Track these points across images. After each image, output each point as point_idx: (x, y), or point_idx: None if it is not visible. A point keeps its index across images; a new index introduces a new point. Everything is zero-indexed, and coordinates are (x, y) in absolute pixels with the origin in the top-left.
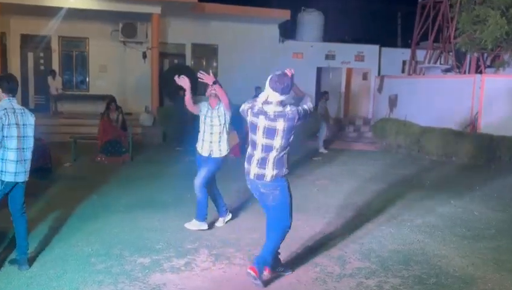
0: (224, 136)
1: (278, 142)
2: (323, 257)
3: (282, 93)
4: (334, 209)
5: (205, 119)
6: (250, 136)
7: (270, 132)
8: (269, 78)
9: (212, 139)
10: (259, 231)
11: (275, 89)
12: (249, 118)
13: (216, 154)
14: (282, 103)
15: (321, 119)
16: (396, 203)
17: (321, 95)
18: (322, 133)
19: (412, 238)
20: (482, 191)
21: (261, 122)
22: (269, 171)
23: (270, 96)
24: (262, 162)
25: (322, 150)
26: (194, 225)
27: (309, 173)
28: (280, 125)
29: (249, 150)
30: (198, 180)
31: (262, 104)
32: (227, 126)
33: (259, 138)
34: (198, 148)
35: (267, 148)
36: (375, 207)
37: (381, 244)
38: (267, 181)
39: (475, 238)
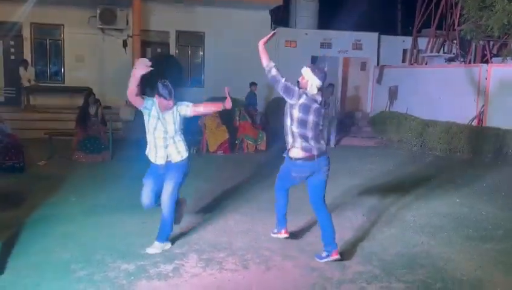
0: (179, 135)
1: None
2: (321, 261)
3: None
4: (331, 209)
5: (156, 121)
6: (302, 117)
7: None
8: (312, 69)
9: (167, 143)
10: (251, 234)
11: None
12: (302, 101)
13: (176, 158)
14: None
15: (335, 115)
16: (398, 202)
17: (329, 88)
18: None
19: (416, 240)
20: (489, 188)
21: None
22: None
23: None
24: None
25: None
26: (157, 247)
27: None
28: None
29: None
30: (168, 196)
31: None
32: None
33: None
34: (151, 158)
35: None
36: (376, 207)
37: (383, 247)
38: (326, 156)
39: (482, 239)
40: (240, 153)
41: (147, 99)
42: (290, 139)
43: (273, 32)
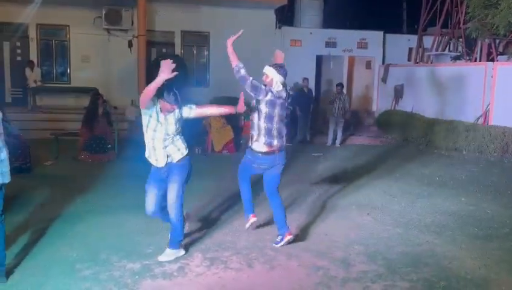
0: (178, 134)
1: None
2: (326, 260)
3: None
4: (336, 208)
5: (156, 123)
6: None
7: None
8: (276, 68)
9: (166, 144)
10: (256, 234)
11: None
12: (268, 98)
13: (177, 157)
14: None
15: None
16: (403, 201)
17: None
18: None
19: (421, 239)
20: (494, 187)
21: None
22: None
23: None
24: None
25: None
26: (169, 254)
27: (309, 170)
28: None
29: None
30: (174, 199)
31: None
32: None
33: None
34: (151, 161)
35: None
36: (381, 206)
37: (388, 245)
38: (284, 152)
39: (487, 238)
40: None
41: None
42: (255, 133)
43: (241, 31)
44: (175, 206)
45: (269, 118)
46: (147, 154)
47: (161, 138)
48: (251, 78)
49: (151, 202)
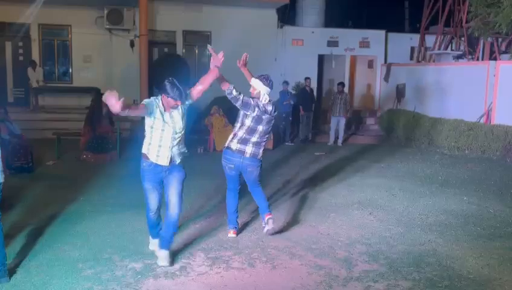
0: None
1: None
2: (328, 259)
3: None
4: (338, 208)
5: (163, 123)
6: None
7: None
8: (261, 79)
9: (174, 143)
10: (258, 233)
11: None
12: (254, 114)
13: (178, 159)
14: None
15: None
16: (405, 200)
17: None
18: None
19: (423, 238)
20: (497, 186)
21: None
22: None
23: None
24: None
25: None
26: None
27: (311, 169)
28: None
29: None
30: (179, 197)
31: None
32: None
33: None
34: (151, 157)
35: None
36: (383, 205)
37: (390, 245)
38: (256, 158)
39: (490, 237)
40: None
41: (148, 104)
42: (231, 135)
43: (222, 54)
44: (178, 205)
45: (251, 131)
46: (145, 150)
47: (169, 137)
48: (241, 96)
49: (155, 201)
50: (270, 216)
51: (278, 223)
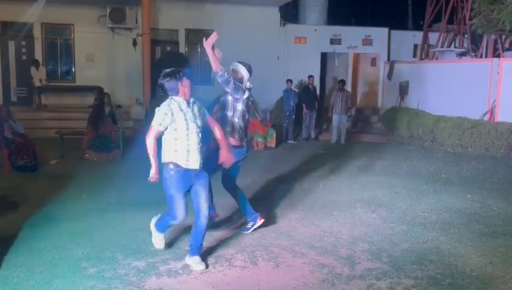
0: None
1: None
2: (330, 258)
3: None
4: (341, 206)
5: (187, 122)
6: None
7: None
8: (244, 64)
9: (199, 142)
10: (260, 231)
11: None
12: (245, 96)
13: (201, 162)
14: None
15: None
16: (408, 198)
17: (342, 84)
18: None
19: (426, 236)
20: (500, 184)
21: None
22: None
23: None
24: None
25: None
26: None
27: (314, 168)
28: None
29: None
30: (208, 202)
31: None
32: None
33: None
34: (181, 163)
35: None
36: (386, 203)
37: (393, 243)
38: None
39: (493, 235)
40: (249, 150)
41: (162, 115)
42: (229, 129)
43: (215, 33)
44: (208, 206)
45: (242, 116)
46: (173, 159)
47: (195, 134)
48: (231, 78)
49: (183, 210)
50: (263, 220)
51: (277, 222)
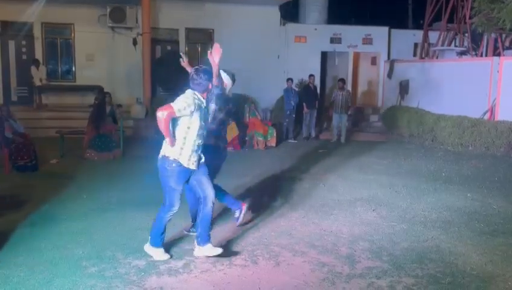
0: None
1: None
2: (330, 256)
3: None
4: (341, 204)
5: (201, 120)
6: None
7: None
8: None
9: (201, 142)
10: (261, 230)
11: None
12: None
13: (198, 163)
14: None
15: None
16: (408, 197)
17: (342, 83)
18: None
19: (426, 235)
20: (500, 183)
21: None
22: None
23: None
24: None
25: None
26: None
27: (314, 167)
28: None
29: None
30: (212, 188)
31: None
32: None
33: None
34: (183, 162)
35: None
36: (386, 202)
37: (393, 241)
38: None
39: (493, 233)
40: (250, 149)
41: (185, 105)
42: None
43: (218, 45)
44: (213, 194)
45: (221, 122)
46: (176, 156)
47: (202, 134)
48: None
49: (179, 200)
50: (246, 205)
51: (277, 221)
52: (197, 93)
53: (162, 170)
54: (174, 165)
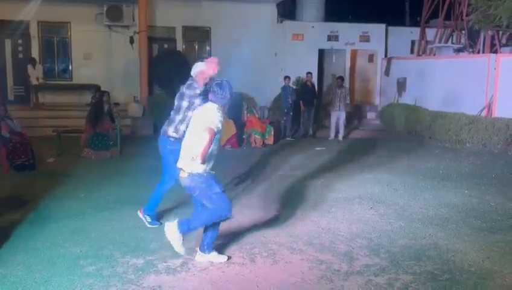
0: None
1: None
2: (328, 254)
3: None
4: (339, 202)
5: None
6: None
7: None
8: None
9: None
10: (259, 228)
11: None
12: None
13: None
14: None
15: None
16: (406, 194)
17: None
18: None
19: (424, 232)
20: (498, 180)
21: None
22: None
23: None
24: None
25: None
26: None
27: (312, 164)
28: None
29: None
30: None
31: None
32: None
33: None
34: (208, 167)
35: None
36: (384, 199)
37: (391, 239)
38: None
39: (491, 230)
40: (247, 148)
41: (219, 119)
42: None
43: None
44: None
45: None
46: (203, 162)
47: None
48: None
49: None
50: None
51: (275, 219)
52: (218, 107)
53: (195, 188)
54: (204, 174)
